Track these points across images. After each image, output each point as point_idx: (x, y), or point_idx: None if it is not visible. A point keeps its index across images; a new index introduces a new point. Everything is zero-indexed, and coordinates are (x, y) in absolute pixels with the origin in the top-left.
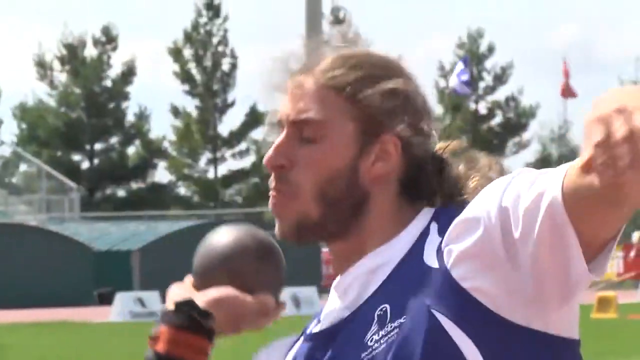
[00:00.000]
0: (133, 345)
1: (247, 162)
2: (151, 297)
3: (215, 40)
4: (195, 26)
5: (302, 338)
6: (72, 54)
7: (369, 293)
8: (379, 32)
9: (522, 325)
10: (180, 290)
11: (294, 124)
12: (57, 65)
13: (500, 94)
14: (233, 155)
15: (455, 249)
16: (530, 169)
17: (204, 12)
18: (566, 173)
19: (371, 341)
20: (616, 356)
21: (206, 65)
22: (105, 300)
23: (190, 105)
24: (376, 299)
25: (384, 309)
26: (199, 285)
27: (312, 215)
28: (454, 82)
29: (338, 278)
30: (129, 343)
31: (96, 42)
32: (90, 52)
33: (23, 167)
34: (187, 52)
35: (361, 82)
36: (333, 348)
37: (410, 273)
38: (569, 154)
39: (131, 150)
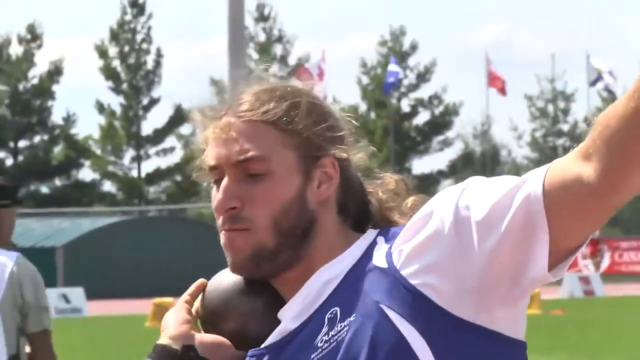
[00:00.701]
0: (57, 340)
1: (171, 159)
2: (75, 293)
3: (139, 37)
4: (121, 24)
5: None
6: None
7: (319, 303)
8: (302, 29)
9: (470, 321)
10: (178, 321)
11: (237, 165)
12: None
13: (424, 92)
14: (157, 153)
15: (406, 247)
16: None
17: (129, 10)
18: (549, 169)
19: (321, 342)
20: (539, 352)
21: (130, 63)
22: None
23: (115, 102)
24: (326, 305)
25: (334, 312)
26: (208, 319)
27: (268, 246)
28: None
29: (287, 304)
30: (53, 339)
31: (21, 40)
32: (16, 50)
33: None
34: (113, 50)
35: (292, 111)
36: (285, 357)
37: (360, 276)
38: (492, 150)
39: (57, 148)
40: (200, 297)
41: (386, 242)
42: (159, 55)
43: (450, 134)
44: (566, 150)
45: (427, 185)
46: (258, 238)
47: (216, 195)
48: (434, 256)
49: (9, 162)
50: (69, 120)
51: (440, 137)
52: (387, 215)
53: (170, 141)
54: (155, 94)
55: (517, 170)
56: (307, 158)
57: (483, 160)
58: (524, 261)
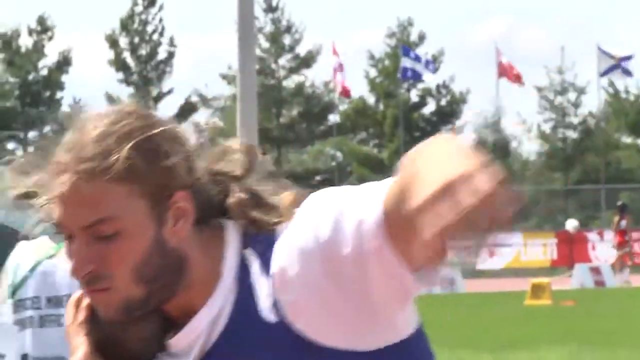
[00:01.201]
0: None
1: None
2: None
3: (150, 28)
4: (131, 15)
5: None
6: (6, 44)
7: (210, 344)
8: (310, 21)
9: (373, 350)
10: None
11: (86, 229)
12: None
13: (432, 82)
14: None
15: (290, 301)
16: (333, 192)
17: (140, 1)
18: (387, 195)
19: None
20: (550, 342)
21: (141, 54)
22: None
23: (125, 94)
24: (219, 349)
25: None
26: (103, 345)
27: (136, 296)
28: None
29: (175, 338)
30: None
31: (31, 32)
32: (26, 41)
33: None
34: (123, 41)
35: (134, 158)
36: None
37: (249, 329)
38: (503, 140)
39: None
40: (87, 320)
41: (261, 270)
42: (171, 45)
43: (459, 122)
44: (575, 143)
45: None
46: (122, 294)
47: (69, 254)
48: (319, 307)
49: (19, 152)
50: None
51: (449, 126)
52: (249, 215)
53: None
54: (165, 85)
55: (524, 164)
56: (158, 202)
57: (494, 150)
58: (395, 279)
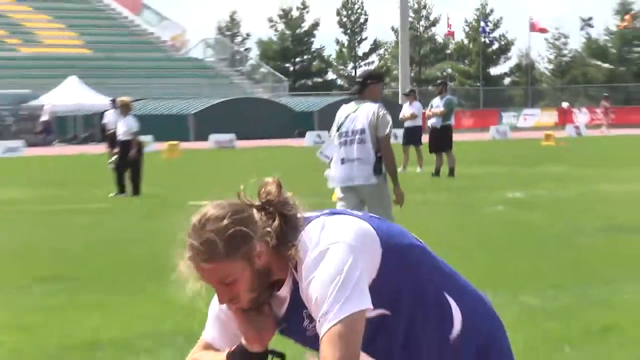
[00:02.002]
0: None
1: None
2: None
3: None
4: None
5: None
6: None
7: (286, 306)
8: None
9: None
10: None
11: (221, 284)
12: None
13: (496, 32)
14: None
15: (302, 290)
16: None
17: None
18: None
19: (305, 321)
20: (554, 162)
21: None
22: (301, 135)
23: (344, 38)
24: (294, 307)
25: (304, 312)
26: None
27: (252, 298)
28: None
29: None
30: None
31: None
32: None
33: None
34: None
35: (232, 243)
36: (290, 325)
37: (297, 295)
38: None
39: (314, 63)
40: None
41: (295, 283)
42: None
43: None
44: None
45: (496, 80)
46: (245, 301)
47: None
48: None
49: (291, 69)
50: (321, 49)
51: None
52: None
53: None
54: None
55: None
56: (249, 259)
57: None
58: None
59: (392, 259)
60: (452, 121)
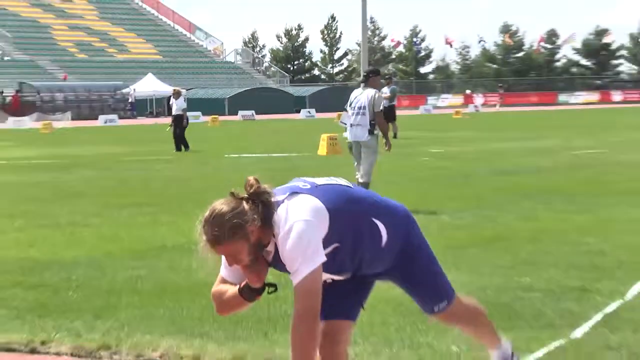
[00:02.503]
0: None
1: None
2: None
3: None
4: None
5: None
6: None
7: (272, 256)
8: None
9: None
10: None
11: (228, 256)
12: None
13: None
14: None
15: (280, 252)
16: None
17: None
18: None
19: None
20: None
21: None
22: (297, 111)
23: None
24: (277, 256)
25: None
26: None
27: (251, 258)
28: None
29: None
30: None
31: None
32: None
33: (273, 69)
34: None
35: (234, 230)
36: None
37: (277, 254)
38: None
39: None
40: None
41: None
42: None
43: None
44: None
45: (424, 76)
46: (248, 262)
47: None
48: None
49: (291, 68)
50: (310, 55)
51: (428, 60)
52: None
53: (344, 61)
54: None
55: None
56: (246, 238)
57: None
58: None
59: (337, 218)
60: (395, 102)
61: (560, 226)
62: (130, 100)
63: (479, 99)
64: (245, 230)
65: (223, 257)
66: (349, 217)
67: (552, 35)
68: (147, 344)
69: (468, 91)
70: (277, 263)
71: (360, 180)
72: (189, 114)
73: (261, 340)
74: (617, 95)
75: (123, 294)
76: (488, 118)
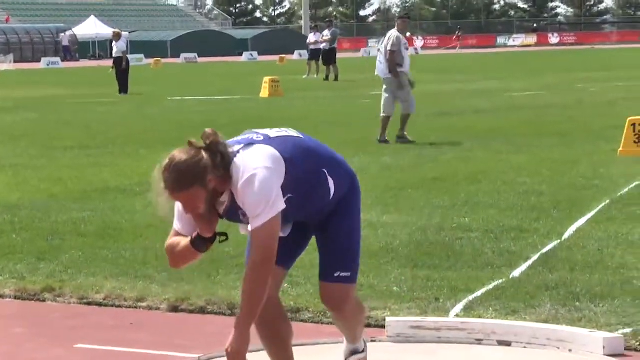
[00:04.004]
0: None
1: None
2: None
3: None
4: None
5: None
6: None
7: (224, 207)
8: None
9: None
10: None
11: (186, 202)
12: None
13: None
14: None
15: (239, 199)
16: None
17: None
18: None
19: (241, 214)
20: None
21: None
22: (239, 54)
23: None
24: (232, 206)
25: (241, 211)
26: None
27: (206, 207)
28: None
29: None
30: None
31: None
32: None
33: (215, 12)
34: None
35: (189, 178)
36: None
37: (234, 201)
38: None
39: None
40: None
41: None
42: None
43: None
44: None
45: (364, 19)
46: (205, 209)
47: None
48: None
49: (233, 11)
50: None
51: (369, 3)
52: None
53: (285, 4)
54: None
55: None
56: (204, 185)
57: None
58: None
59: (292, 167)
60: (336, 45)
61: (499, 167)
62: (64, 44)
63: (418, 42)
64: (205, 178)
65: (177, 211)
66: (303, 168)
67: None
68: (90, 286)
69: (408, 34)
70: (229, 213)
71: (402, 112)
72: (131, 56)
73: (204, 281)
74: (554, 38)
75: (66, 236)
76: (428, 60)
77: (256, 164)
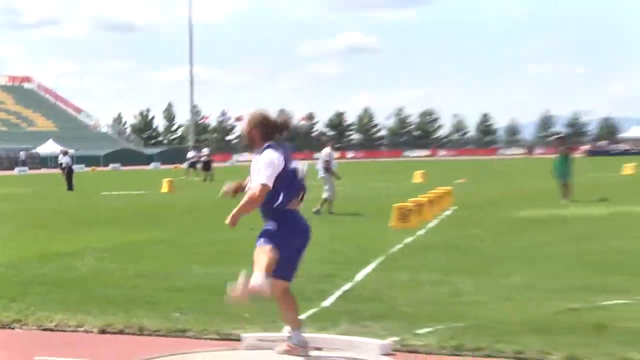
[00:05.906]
0: None
1: None
2: None
3: None
4: None
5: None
6: None
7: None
8: None
9: None
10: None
11: (248, 132)
12: None
13: None
14: None
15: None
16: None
17: None
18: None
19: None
20: None
21: None
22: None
23: None
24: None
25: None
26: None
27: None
28: None
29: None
30: None
31: None
32: None
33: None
34: None
35: (255, 122)
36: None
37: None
38: None
39: None
40: None
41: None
42: None
43: None
44: None
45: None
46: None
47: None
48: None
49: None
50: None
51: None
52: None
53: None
54: None
55: None
56: (258, 130)
57: None
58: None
59: (282, 172)
60: (212, 158)
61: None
62: (21, 159)
63: None
64: (258, 128)
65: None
66: (283, 177)
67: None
68: (45, 318)
69: None
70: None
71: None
72: (76, 166)
73: (126, 306)
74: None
75: (31, 285)
76: None
77: (270, 150)
